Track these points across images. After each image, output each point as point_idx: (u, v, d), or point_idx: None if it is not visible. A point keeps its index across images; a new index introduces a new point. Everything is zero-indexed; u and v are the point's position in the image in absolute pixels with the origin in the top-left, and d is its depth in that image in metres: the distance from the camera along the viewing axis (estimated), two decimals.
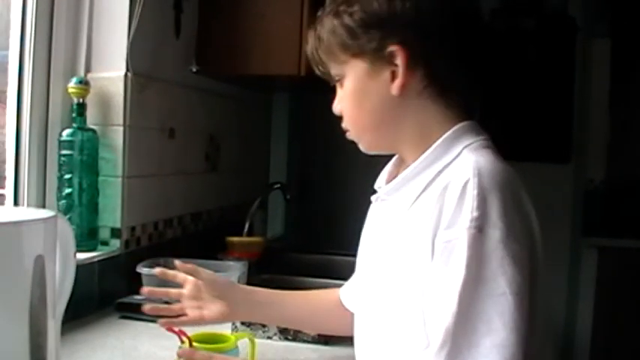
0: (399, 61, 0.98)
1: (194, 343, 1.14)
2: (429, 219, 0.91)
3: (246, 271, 1.87)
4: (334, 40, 1.03)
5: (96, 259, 1.74)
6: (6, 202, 1.73)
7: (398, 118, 1.02)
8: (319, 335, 1.51)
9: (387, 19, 0.98)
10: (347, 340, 1.30)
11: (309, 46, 1.09)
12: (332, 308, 1.34)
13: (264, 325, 1.53)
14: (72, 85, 1.74)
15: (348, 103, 1.06)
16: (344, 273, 1.39)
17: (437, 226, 0.90)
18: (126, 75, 1.83)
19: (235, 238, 2.30)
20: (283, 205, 2.87)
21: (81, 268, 1.67)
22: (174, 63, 2.13)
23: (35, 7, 1.72)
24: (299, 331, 1.53)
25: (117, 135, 1.83)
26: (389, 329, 1.00)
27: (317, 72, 1.11)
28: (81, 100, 1.75)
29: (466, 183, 0.89)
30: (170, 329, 1.17)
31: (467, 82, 1.04)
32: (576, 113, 3.55)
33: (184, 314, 1.26)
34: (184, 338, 1.15)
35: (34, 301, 0.89)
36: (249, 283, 1.83)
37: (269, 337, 1.53)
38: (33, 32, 1.73)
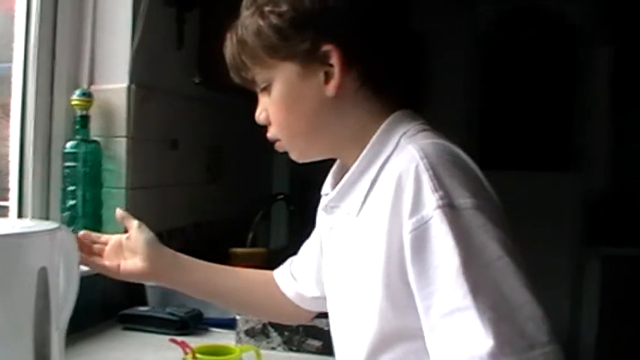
0: (334, 60, 0.94)
1: (197, 355, 1.14)
2: (385, 215, 0.88)
3: None
4: (260, 43, 0.96)
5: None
6: (10, 214, 1.74)
7: (333, 120, 0.98)
8: (323, 346, 1.51)
9: (319, 17, 0.94)
10: None
11: (228, 51, 1.02)
12: (264, 288, 1.27)
13: (267, 336, 1.53)
14: (75, 98, 1.74)
15: (277, 109, 1.00)
16: None
17: (399, 218, 0.86)
18: (129, 87, 1.84)
19: (238, 249, 2.30)
20: (287, 216, 2.87)
21: (84, 279, 1.66)
22: (176, 74, 2.13)
23: (38, 19, 1.73)
24: (303, 342, 1.53)
25: (120, 147, 1.83)
26: (360, 338, 0.96)
27: (236, 80, 1.05)
28: (84, 112, 1.76)
29: (417, 167, 0.85)
30: (173, 340, 1.17)
31: (400, 78, 1.01)
32: (577, 121, 3.55)
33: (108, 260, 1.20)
34: (188, 350, 1.15)
35: (37, 312, 0.89)
36: None
37: (273, 348, 1.53)
38: (36, 45, 1.74)
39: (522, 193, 3.09)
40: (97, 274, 1.71)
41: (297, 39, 0.94)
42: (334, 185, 1.04)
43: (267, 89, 1.00)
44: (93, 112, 1.78)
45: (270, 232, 2.93)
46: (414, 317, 0.87)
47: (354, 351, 0.98)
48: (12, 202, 1.74)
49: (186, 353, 1.16)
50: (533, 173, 3.43)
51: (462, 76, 3.53)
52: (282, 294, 1.23)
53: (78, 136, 1.75)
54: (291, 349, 1.53)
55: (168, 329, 1.60)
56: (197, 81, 2.20)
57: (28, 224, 1.00)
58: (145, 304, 1.76)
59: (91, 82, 1.86)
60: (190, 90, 2.20)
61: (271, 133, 1.04)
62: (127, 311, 1.71)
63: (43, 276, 0.90)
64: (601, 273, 3.39)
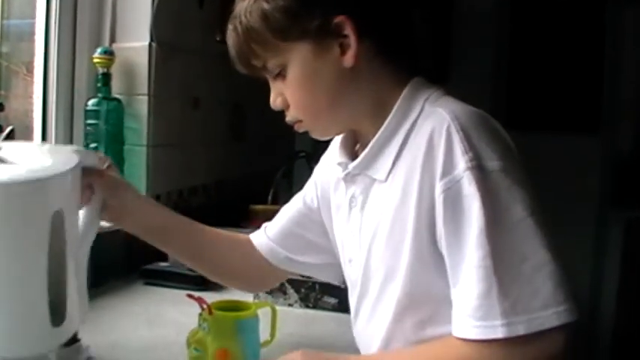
0: (348, 30, 0.94)
1: (214, 310, 1.16)
2: (416, 176, 0.89)
3: None
4: (269, 27, 0.95)
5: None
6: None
7: (352, 92, 0.98)
8: (339, 303, 1.53)
9: None
10: None
11: (233, 42, 1.01)
12: (234, 246, 1.27)
13: (284, 293, 1.56)
14: (97, 56, 1.76)
15: (296, 91, 0.99)
16: None
17: (430, 178, 0.88)
18: (150, 45, 1.85)
19: (259, 207, 2.31)
20: (308, 173, 2.86)
21: (106, 235, 1.70)
22: (198, 33, 2.13)
23: None
24: (319, 299, 1.55)
25: (142, 104, 1.85)
26: (401, 305, 0.97)
27: (243, 70, 1.04)
28: (106, 70, 1.77)
29: (448, 128, 0.87)
30: (190, 296, 1.19)
31: (411, 42, 1.02)
32: (606, 83, 3.49)
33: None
34: (204, 305, 1.17)
35: (53, 255, 0.88)
36: None
37: (290, 305, 1.56)
38: (58, 2, 1.75)
39: (548, 154, 3.06)
40: (118, 230, 1.75)
41: (306, 17, 0.94)
42: (348, 155, 1.05)
43: (280, 74, 1.00)
44: (115, 70, 1.79)
45: (291, 189, 2.94)
46: (442, 279, 0.90)
47: (380, 313, 1.00)
48: None
49: (202, 309, 1.18)
50: (557, 135, 3.39)
51: (489, 39, 3.48)
52: (255, 251, 1.24)
53: (100, 94, 1.76)
54: (307, 306, 1.56)
55: (188, 285, 1.63)
56: (218, 39, 2.19)
57: (45, 159, 0.94)
58: (166, 259, 1.79)
59: (113, 40, 1.87)
60: (212, 48, 2.19)
61: (291, 116, 1.03)
62: (148, 266, 1.74)
63: (58, 219, 0.88)
64: (625, 236, 3.37)
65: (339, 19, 0.93)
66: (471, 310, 0.84)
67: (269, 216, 2.33)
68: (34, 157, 0.94)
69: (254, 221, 2.21)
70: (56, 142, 1.78)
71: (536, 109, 3.49)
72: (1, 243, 0.86)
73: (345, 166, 1.04)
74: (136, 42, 1.85)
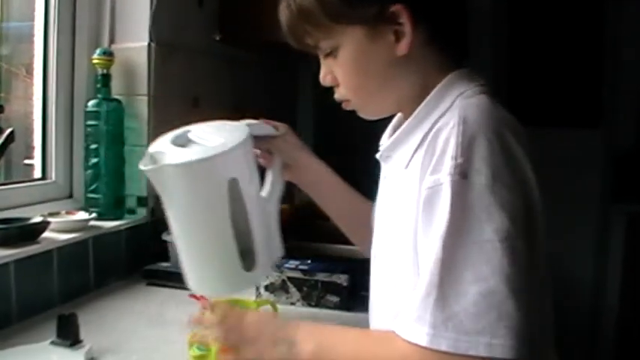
0: (404, 19, 0.94)
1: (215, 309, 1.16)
2: (420, 169, 0.89)
3: None
4: (324, 10, 0.96)
5: (123, 227, 1.77)
6: (34, 172, 1.77)
7: (401, 78, 0.99)
8: (341, 301, 1.53)
9: None
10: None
11: (286, 19, 1.02)
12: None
13: (286, 292, 1.56)
14: (96, 56, 1.76)
15: (347, 72, 1.01)
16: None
17: (424, 172, 0.87)
18: (149, 45, 1.85)
19: None
20: None
21: (108, 236, 1.71)
22: (197, 32, 2.13)
23: None
24: (322, 297, 1.55)
25: (142, 105, 1.85)
26: (393, 287, 1.00)
27: (295, 45, 1.04)
28: (105, 71, 1.77)
29: (451, 129, 0.86)
30: (192, 296, 1.19)
31: (464, 32, 1.02)
32: (606, 77, 3.49)
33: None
34: (206, 304, 1.17)
35: (234, 214, 1.05)
36: None
37: (292, 304, 1.56)
38: (57, 4, 1.75)
39: (549, 149, 3.06)
40: (120, 231, 1.76)
41: (363, 3, 0.94)
42: (391, 135, 1.07)
43: (332, 54, 1.01)
44: (114, 70, 1.80)
45: (294, 188, 2.94)
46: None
47: (392, 297, 1.01)
48: (36, 160, 1.78)
49: (204, 308, 1.18)
50: (558, 129, 3.38)
51: (488, 32, 3.47)
52: None
53: (99, 95, 1.77)
54: (309, 305, 1.56)
55: None
56: (218, 38, 2.20)
57: (220, 138, 1.08)
58: (167, 259, 1.79)
59: (112, 40, 1.87)
60: (211, 47, 2.21)
61: (340, 94, 1.05)
62: (150, 267, 1.74)
63: (234, 184, 1.04)
64: (626, 230, 3.36)
65: (395, 7, 0.94)
66: (410, 308, 0.83)
67: None
68: (214, 137, 1.09)
69: None
70: (56, 143, 1.78)
71: (537, 104, 3.48)
72: (192, 209, 1.05)
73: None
74: (135, 42, 1.85)
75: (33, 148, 1.78)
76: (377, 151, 1.11)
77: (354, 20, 0.96)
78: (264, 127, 1.27)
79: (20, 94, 1.80)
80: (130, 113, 1.84)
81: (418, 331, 0.81)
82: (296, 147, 1.29)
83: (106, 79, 1.77)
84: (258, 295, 1.55)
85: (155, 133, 1.85)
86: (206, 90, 2.19)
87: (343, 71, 1.01)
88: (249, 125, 1.15)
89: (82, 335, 1.24)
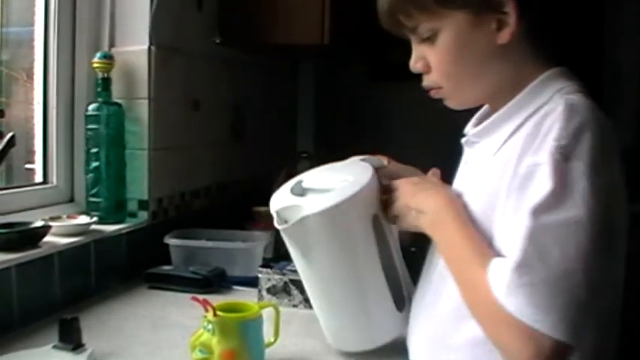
0: (510, 8, 0.94)
1: (218, 312, 1.16)
2: (518, 154, 0.90)
3: (273, 241, 1.89)
4: None
5: (124, 231, 1.77)
6: (35, 176, 1.77)
7: (497, 67, 1.00)
8: None
9: None
10: None
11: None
12: None
13: (289, 294, 1.55)
14: (96, 60, 1.76)
15: (444, 58, 1.00)
16: None
17: (523, 156, 0.88)
18: (149, 48, 1.84)
19: (262, 208, 2.30)
20: None
21: (109, 240, 1.71)
22: (197, 35, 2.13)
23: None
24: None
25: (142, 108, 1.85)
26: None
27: (390, 28, 1.04)
28: (105, 75, 1.77)
29: (558, 115, 0.87)
30: (195, 299, 1.19)
31: (564, 30, 1.04)
32: (606, 77, 3.48)
33: None
34: (208, 307, 1.17)
35: (381, 251, 1.06)
36: (276, 253, 1.86)
37: (294, 306, 1.55)
38: (57, 8, 1.75)
39: None
40: (121, 234, 1.75)
41: None
42: (478, 123, 1.08)
43: (429, 39, 1.01)
44: (114, 74, 1.79)
45: None
46: None
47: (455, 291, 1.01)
48: (37, 165, 1.78)
49: (206, 310, 1.18)
50: None
51: None
52: None
53: (100, 99, 1.76)
54: (312, 307, 1.55)
55: (192, 287, 1.63)
56: (217, 41, 2.20)
57: (346, 176, 1.09)
58: (169, 263, 1.79)
59: (112, 44, 1.87)
60: (211, 50, 2.21)
61: (430, 81, 1.05)
62: (152, 270, 1.74)
63: (377, 219, 1.04)
64: (627, 230, 3.35)
65: None
66: (501, 260, 0.87)
67: (271, 218, 2.32)
68: (335, 179, 1.08)
69: (257, 223, 2.21)
70: (57, 147, 1.78)
71: None
72: (339, 256, 1.03)
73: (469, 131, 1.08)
74: (135, 46, 1.85)
75: (34, 152, 1.78)
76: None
77: (460, 5, 0.96)
78: (374, 159, 1.24)
79: (21, 98, 1.80)
80: (130, 117, 1.84)
81: (499, 285, 0.84)
82: (407, 169, 1.27)
83: (107, 82, 1.77)
84: (261, 297, 1.55)
85: (156, 136, 1.87)
86: (206, 92, 2.20)
87: (439, 57, 1.01)
88: (365, 160, 1.16)
89: (84, 339, 1.23)
